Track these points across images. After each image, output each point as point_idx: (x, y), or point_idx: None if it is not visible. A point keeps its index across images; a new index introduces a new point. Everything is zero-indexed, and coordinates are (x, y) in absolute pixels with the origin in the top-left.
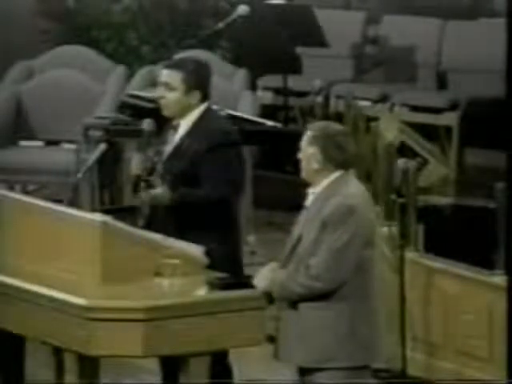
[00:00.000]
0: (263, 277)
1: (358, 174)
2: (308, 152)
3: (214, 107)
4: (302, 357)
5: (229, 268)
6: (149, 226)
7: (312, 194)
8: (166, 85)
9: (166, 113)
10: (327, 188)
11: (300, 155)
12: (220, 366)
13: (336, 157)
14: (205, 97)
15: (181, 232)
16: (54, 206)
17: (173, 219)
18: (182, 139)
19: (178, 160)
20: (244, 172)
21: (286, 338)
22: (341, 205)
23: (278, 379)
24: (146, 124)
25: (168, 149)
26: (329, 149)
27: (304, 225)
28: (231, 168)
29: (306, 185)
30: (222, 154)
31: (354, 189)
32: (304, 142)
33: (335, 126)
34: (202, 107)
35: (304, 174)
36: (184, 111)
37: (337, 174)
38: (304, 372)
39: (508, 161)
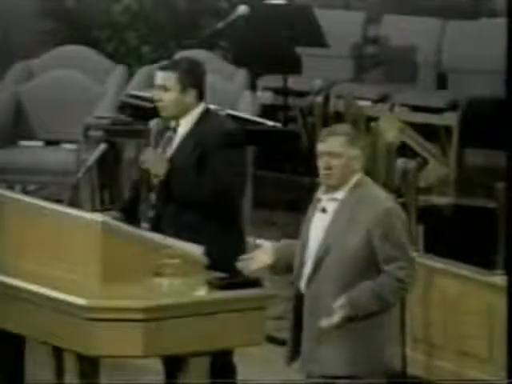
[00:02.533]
0: (337, 308)
1: None
2: (350, 154)
3: (214, 107)
4: (343, 366)
5: (230, 268)
6: (154, 228)
7: (332, 200)
8: (162, 87)
9: (164, 114)
10: (351, 192)
11: (334, 160)
12: (225, 366)
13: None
14: (201, 95)
15: (184, 232)
16: (54, 206)
17: (176, 220)
18: (183, 140)
19: (181, 160)
20: (246, 172)
21: (322, 350)
22: (385, 209)
23: (278, 379)
24: (154, 123)
25: (169, 150)
26: (361, 148)
27: (330, 234)
28: (237, 167)
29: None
30: (229, 154)
31: (379, 190)
32: (342, 146)
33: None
34: (201, 107)
35: (338, 178)
36: (182, 111)
37: (358, 175)
38: (328, 378)
39: (508, 161)
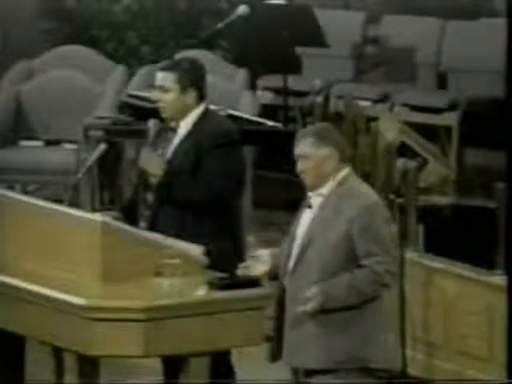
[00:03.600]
0: (308, 298)
1: (358, 174)
2: (321, 155)
3: (214, 107)
4: (320, 359)
5: (230, 268)
6: (151, 227)
7: (318, 195)
8: (161, 87)
9: (164, 115)
10: (337, 187)
11: (305, 163)
12: (223, 366)
13: (346, 153)
14: (201, 96)
15: (182, 232)
16: (54, 206)
17: (175, 220)
18: (183, 140)
19: (178, 161)
20: (244, 171)
21: (301, 342)
22: (366, 204)
23: (278, 379)
24: (152, 124)
25: (169, 150)
26: (342, 146)
27: (313, 228)
28: (232, 167)
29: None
30: (224, 154)
31: (364, 186)
32: (310, 148)
33: (329, 125)
34: (201, 108)
35: (313, 180)
36: (182, 112)
37: (344, 171)
38: (309, 374)
39: (508, 161)
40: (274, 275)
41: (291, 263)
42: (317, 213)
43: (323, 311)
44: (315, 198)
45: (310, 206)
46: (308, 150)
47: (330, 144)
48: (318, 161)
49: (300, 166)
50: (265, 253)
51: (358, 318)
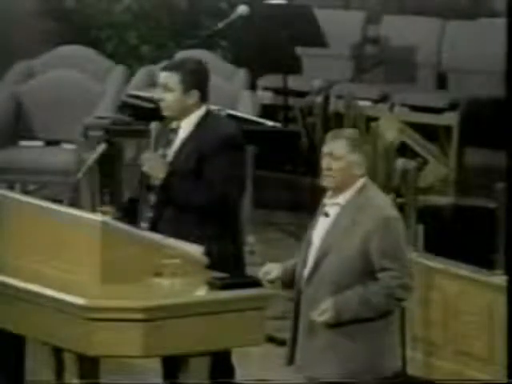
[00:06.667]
0: (322, 310)
1: None
2: (350, 159)
3: (213, 107)
4: (336, 371)
5: (230, 268)
6: (152, 229)
7: (335, 204)
8: (164, 86)
9: (166, 114)
10: (354, 197)
11: (335, 162)
12: (223, 366)
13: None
14: (203, 98)
15: (183, 234)
16: (54, 206)
17: (174, 222)
18: (184, 142)
19: (180, 163)
20: (246, 176)
21: (316, 352)
22: (384, 218)
23: (278, 379)
24: (154, 126)
25: (170, 151)
26: (364, 154)
27: (330, 237)
28: (234, 172)
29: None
30: (227, 158)
31: (382, 197)
32: (341, 150)
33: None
34: (203, 109)
35: (338, 181)
36: (184, 112)
37: (362, 181)
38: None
39: (508, 161)
40: (286, 285)
41: (307, 270)
42: (334, 222)
43: (338, 323)
44: (332, 207)
45: (326, 215)
46: (340, 151)
47: (358, 150)
48: (347, 164)
49: (329, 163)
50: (273, 266)
51: (372, 330)
